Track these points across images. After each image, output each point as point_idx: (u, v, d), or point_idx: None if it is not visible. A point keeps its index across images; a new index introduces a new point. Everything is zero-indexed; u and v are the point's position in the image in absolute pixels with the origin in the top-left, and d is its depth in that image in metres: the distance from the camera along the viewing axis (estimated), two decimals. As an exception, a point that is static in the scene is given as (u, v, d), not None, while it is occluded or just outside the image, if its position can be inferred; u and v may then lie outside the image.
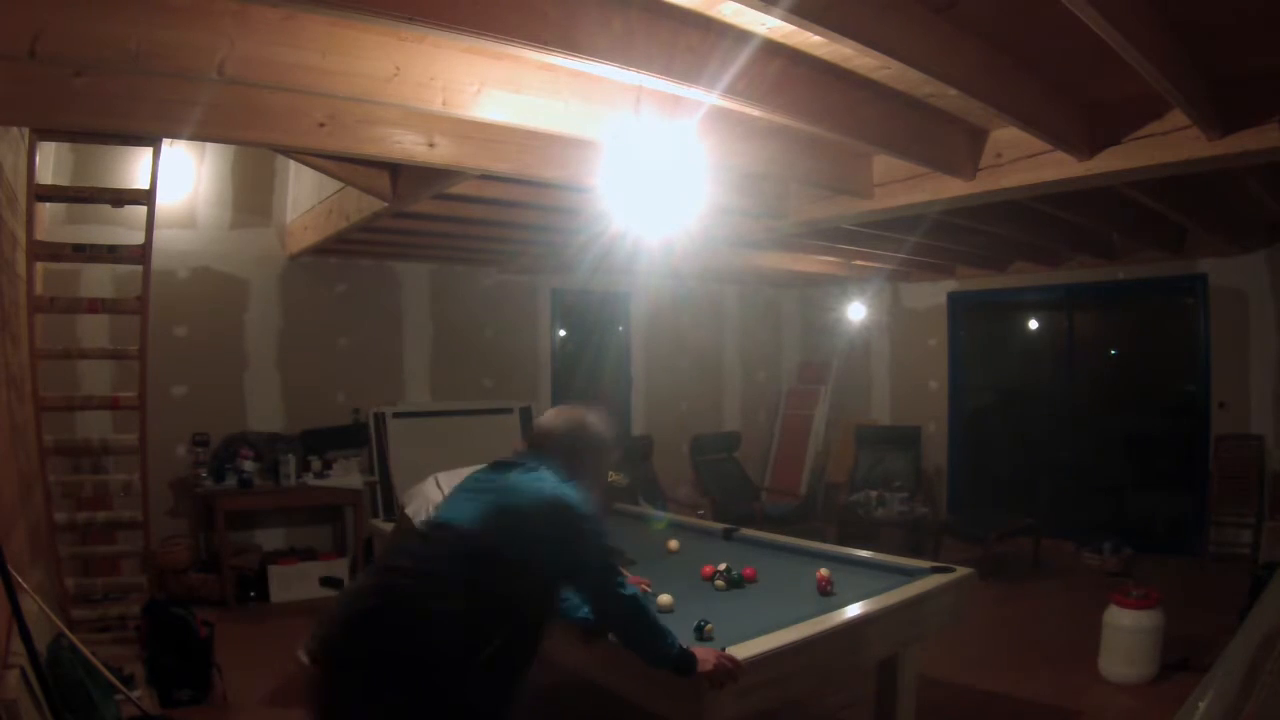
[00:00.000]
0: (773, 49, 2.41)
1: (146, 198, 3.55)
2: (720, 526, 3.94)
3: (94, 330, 4.74)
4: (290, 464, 5.33)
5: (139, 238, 3.69)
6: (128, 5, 2.06)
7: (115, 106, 2.58)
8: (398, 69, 2.38)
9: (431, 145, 3.06)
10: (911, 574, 2.96)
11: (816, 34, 2.03)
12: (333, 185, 4.45)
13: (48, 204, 4.12)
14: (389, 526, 3.96)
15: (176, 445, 5.24)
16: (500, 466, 2.01)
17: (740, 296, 8.16)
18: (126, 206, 4.02)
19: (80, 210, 4.71)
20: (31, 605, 2.56)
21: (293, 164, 5.06)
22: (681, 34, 2.23)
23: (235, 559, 5.15)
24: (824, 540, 4.21)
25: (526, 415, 6.64)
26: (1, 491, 2.74)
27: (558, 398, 7.05)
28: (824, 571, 2.88)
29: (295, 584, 5.23)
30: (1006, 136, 3.26)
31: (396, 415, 6.05)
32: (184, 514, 5.29)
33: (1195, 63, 2.43)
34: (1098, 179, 3.11)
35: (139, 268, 3.74)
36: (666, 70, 2.24)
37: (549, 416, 2.15)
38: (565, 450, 2.03)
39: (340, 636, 1.67)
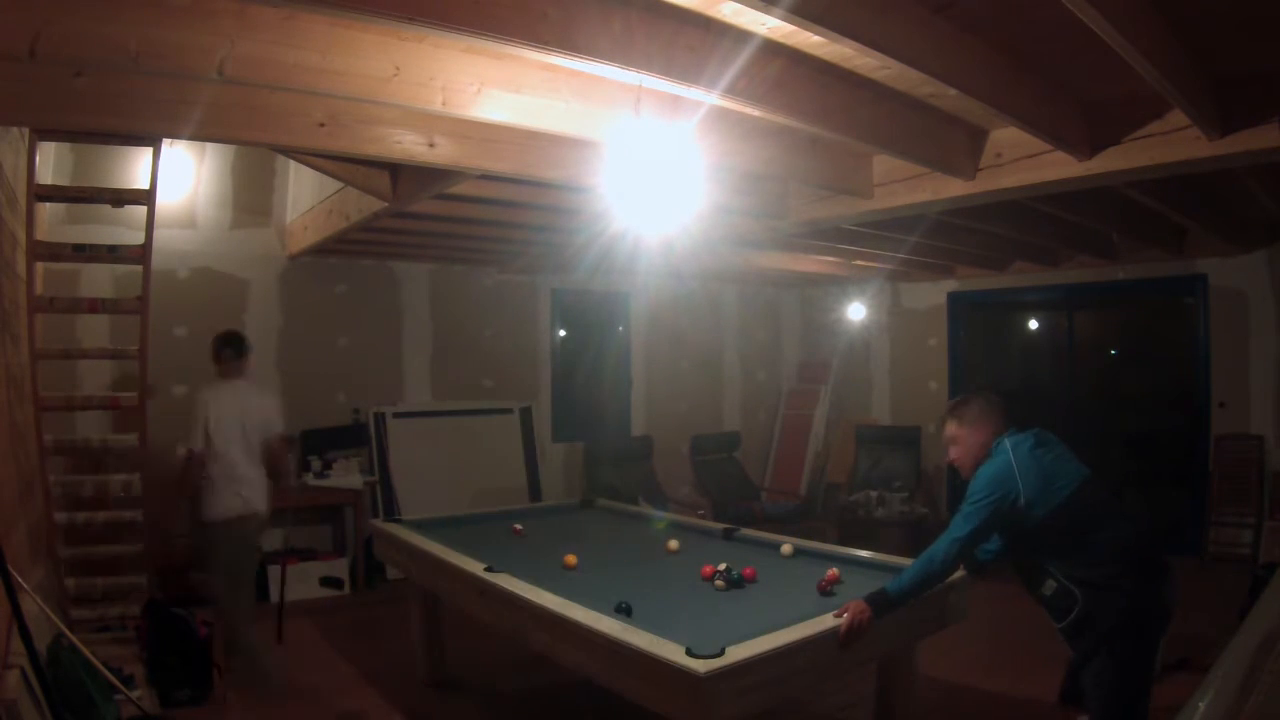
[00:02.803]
0: (773, 49, 2.41)
1: (146, 198, 3.56)
2: (720, 526, 3.94)
3: (94, 330, 4.74)
4: (290, 464, 5.33)
5: (139, 238, 3.69)
6: (128, 5, 2.06)
7: (115, 106, 2.58)
8: (398, 69, 2.38)
9: (431, 145, 3.06)
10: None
11: (816, 34, 2.03)
12: (333, 185, 4.45)
13: (48, 204, 4.12)
14: (389, 526, 3.96)
15: (177, 445, 5.23)
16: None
17: (740, 296, 8.16)
18: (126, 206, 4.03)
19: (80, 210, 4.71)
20: (31, 605, 2.56)
21: (293, 164, 5.06)
22: (681, 34, 2.23)
23: (235, 559, 5.13)
24: (824, 540, 4.21)
25: (526, 415, 6.65)
26: (1, 491, 2.74)
27: (558, 398, 7.06)
28: (834, 571, 2.91)
29: (295, 584, 5.22)
30: (1006, 136, 3.26)
31: (396, 415, 6.05)
32: (184, 514, 5.28)
33: (1195, 63, 2.43)
34: (1098, 179, 3.11)
35: (139, 268, 3.74)
36: (666, 70, 2.24)
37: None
38: None
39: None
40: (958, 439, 2.61)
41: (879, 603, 2.40)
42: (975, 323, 7.50)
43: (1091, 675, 2.36)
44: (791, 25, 2.01)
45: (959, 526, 2.43)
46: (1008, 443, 2.48)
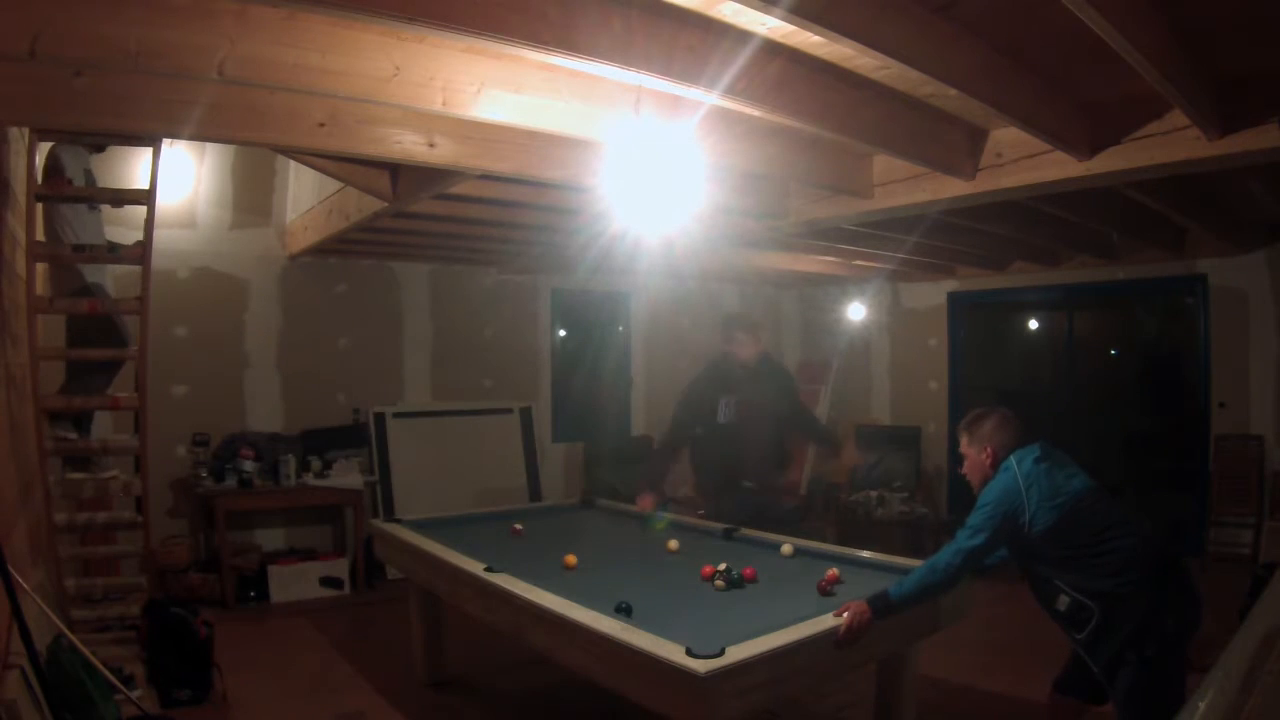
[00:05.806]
0: (773, 49, 2.41)
1: (146, 198, 3.55)
2: (720, 526, 3.93)
3: (94, 330, 4.73)
4: (290, 464, 5.33)
5: (139, 237, 3.68)
6: (128, 5, 2.06)
7: (115, 106, 2.58)
8: (398, 69, 2.38)
9: (431, 145, 3.06)
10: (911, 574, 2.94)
11: (816, 34, 2.03)
12: (333, 185, 4.45)
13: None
14: (389, 526, 3.95)
15: (176, 445, 5.24)
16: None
17: (740, 296, 8.16)
18: (126, 206, 4.02)
19: (80, 210, 4.70)
20: (31, 605, 2.56)
21: (293, 164, 5.06)
22: (681, 34, 2.23)
23: (235, 559, 5.14)
24: (824, 540, 4.21)
25: (526, 415, 6.65)
26: (1, 491, 2.73)
27: (558, 398, 7.05)
28: (834, 571, 2.90)
29: (295, 584, 5.23)
30: (1006, 136, 3.26)
31: (396, 415, 6.05)
32: (184, 514, 5.29)
33: (1195, 63, 2.43)
34: (1098, 179, 3.11)
35: (139, 268, 3.74)
36: (666, 70, 2.24)
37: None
38: None
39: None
40: (968, 455, 2.61)
41: (879, 605, 2.40)
42: (975, 323, 7.50)
43: (1124, 688, 2.28)
44: (791, 25, 2.01)
45: (964, 539, 2.42)
46: (1013, 459, 2.47)
